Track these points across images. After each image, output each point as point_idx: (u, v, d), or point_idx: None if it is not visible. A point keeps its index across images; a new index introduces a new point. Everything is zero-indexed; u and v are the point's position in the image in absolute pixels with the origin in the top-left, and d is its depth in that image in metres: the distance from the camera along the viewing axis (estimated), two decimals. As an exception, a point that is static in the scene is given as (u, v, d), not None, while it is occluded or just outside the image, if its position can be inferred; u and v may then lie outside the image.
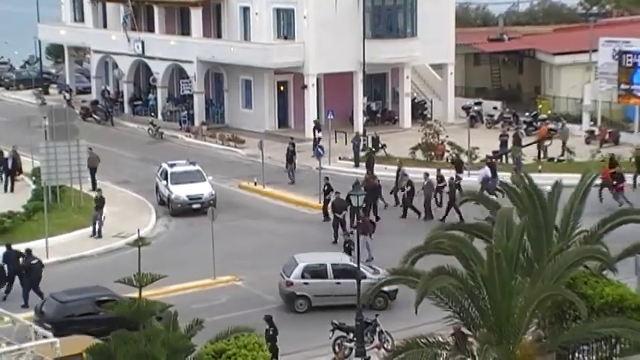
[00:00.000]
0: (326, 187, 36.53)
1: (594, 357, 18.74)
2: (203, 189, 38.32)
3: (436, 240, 19.22)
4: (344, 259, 28.56)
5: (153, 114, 57.05)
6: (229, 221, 35.92)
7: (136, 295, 16.17)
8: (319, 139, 46.30)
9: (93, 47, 61.56)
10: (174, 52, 55.51)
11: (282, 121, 53.05)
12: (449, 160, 42.85)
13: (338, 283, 27.40)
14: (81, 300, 25.85)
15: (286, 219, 37.16)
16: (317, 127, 48.12)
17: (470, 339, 18.13)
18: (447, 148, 44.61)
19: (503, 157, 44.70)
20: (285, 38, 52.87)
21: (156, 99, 57.74)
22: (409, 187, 36.95)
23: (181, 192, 38.01)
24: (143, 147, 50.62)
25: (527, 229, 18.72)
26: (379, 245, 31.31)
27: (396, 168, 38.90)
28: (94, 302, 25.30)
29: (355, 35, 50.53)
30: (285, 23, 53.11)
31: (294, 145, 43.60)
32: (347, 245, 30.61)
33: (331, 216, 34.83)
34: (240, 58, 52.30)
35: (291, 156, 42.77)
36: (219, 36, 56.58)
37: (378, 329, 24.60)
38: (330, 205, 35.65)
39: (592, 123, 49.99)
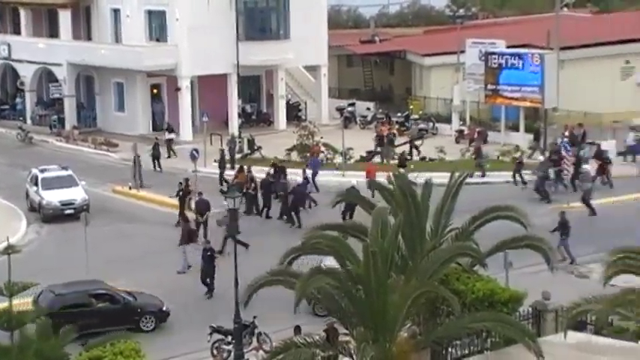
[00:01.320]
0: (182, 189, 35.85)
1: (467, 351, 19.22)
2: (75, 194, 37.62)
3: (313, 240, 19.38)
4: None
5: (21, 118, 55.62)
6: (103, 226, 35.36)
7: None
8: (171, 140, 47.11)
9: (-44, 50, 59.64)
10: (43, 55, 54.24)
11: (157, 124, 52.50)
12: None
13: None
14: (76, 293, 26.21)
15: (161, 223, 36.79)
16: (169, 128, 48.33)
17: (346, 337, 18.36)
18: (322, 149, 45.01)
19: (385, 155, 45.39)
20: (158, 40, 52.35)
21: (24, 103, 56.32)
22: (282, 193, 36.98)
23: (53, 198, 37.23)
24: (12, 152, 49.32)
25: (401, 228, 19.05)
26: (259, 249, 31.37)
27: (271, 170, 39.17)
28: (89, 295, 26.00)
29: (229, 37, 50.43)
30: (157, 25, 52.60)
31: (155, 146, 44.38)
32: (209, 254, 29.08)
33: (191, 218, 34.21)
34: (112, 60, 51.51)
35: (153, 158, 43.84)
36: (89, 38, 55.59)
37: (256, 331, 24.63)
38: (191, 206, 35.19)
39: (461, 123, 51.24)
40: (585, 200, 36.03)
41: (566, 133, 45.26)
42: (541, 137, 46.82)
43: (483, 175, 41.64)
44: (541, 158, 41.34)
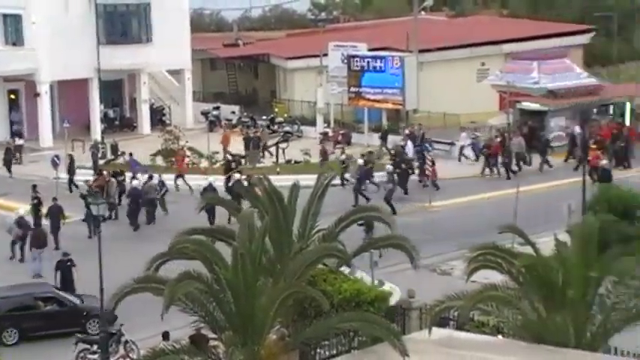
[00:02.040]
0: (35, 196, 34.96)
1: (335, 351, 19.48)
2: None
3: (180, 245, 19.26)
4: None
5: None
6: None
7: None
8: (21, 146, 46.29)
9: None
10: None
11: (16, 131, 51.00)
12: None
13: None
14: (22, 296, 25.87)
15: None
16: (17, 134, 47.73)
17: (215, 342, 18.32)
18: (188, 153, 44.71)
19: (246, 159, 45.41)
20: (14, 45, 50.94)
21: None
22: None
23: None
24: None
25: (268, 231, 19.14)
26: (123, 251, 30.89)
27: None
28: (34, 298, 25.70)
29: (89, 41, 49.54)
30: (14, 29, 51.17)
31: (7, 151, 43.90)
32: (68, 263, 28.12)
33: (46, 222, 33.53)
34: (-35, 65, 49.88)
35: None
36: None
37: (123, 339, 24.27)
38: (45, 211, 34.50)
39: (325, 125, 51.78)
40: (387, 199, 36.72)
41: (407, 132, 46.49)
42: (388, 137, 47.74)
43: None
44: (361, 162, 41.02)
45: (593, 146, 42.34)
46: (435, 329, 18.25)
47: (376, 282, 23.82)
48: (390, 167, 39.30)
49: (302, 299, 18.70)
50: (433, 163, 40.34)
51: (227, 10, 78.97)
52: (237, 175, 38.03)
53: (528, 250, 19.16)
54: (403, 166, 40.52)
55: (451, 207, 38.37)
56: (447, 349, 17.63)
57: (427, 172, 40.12)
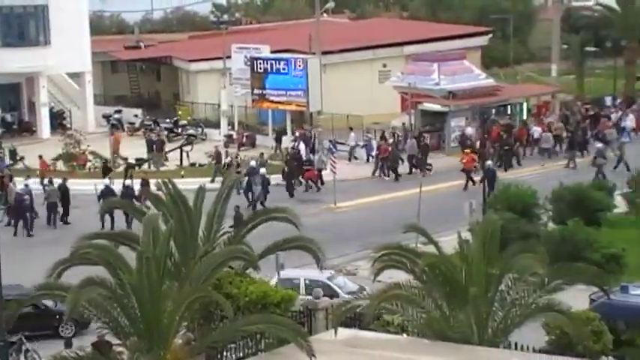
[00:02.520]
0: None
1: (241, 354, 19.45)
2: None
3: (82, 250, 18.94)
4: None
5: None
6: None
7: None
8: None
9: None
10: None
11: None
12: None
13: None
14: None
15: None
16: None
17: (120, 348, 18.11)
18: (90, 157, 44.07)
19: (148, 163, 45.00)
20: None
21: None
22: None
23: None
24: None
25: (173, 235, 18.99)
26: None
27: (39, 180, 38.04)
28: (7, 300, 23.43)
29: (-16, 43, 48.43)
30: None
31: None
32: None
33: None
34: None
35: None
36: None
37: (24, 348, 23.79)
38: None
39: (230, 127, 51.63)
40: (257, 202, 37.06)
41: (297, 134, 46.83)
42: (282, 139, 47.96)
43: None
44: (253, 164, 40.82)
45: (467, 150, 42.71)
46: (340, 329, 18.39)
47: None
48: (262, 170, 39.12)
49: (208, 303, 18.61)
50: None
51: (128, 12, 78.10)
52: (128, 181, 37.66)
53: (432, 249, 19.47)
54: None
55: (357, 207, 38.70)
56: (353, 349, 17.79)
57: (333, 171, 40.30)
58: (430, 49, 56.10)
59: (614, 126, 50.18)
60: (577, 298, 20.09)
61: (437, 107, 49.60)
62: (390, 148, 44.07)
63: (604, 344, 18.96)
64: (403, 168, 43.68)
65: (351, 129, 48.27)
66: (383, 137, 45.96)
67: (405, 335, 19.31)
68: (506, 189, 31.90)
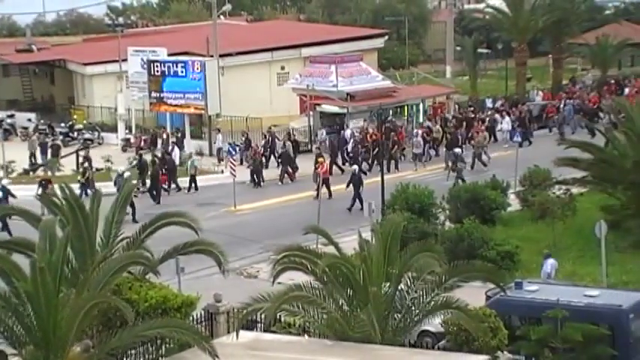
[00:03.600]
0: None
1: (142, 359, 19.25)
2: None
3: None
4: None
5: None
6: None
7: None
8: None
9: None
10: None
11: None
12: None
13: None
14: None
15: None
16: None
17: (16, 358, 17.71)
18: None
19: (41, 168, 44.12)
20: None
21: None
22: None
23: None
24: None
25: (70, 240, 18.68)
26: None
27: None
28: None
29: None
30: None
31: None
32: None
33: None
34: None
35: None
36: None
37: None
38: None
39: (127, 131, 51.00)
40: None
41: (164, 136, 47.02)
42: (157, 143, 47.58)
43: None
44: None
45: (320, 159, 40.50)
46: (242, 332, 18.35)
47: None
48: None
49: (106, 309, 18.36)
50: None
51: (19, 14, 76.45)
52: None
53: (332, 250, 19.59)
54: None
55: (257, 210, 38.67)
56: (254, 352, 17.77)
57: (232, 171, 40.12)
58: (327, 51, 56.48)
59: (488, 129, 49.44)
60: (474, 295, 20.46)
61: (335, 109, 49.94)
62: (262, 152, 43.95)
63: (500, 340, 19.36)
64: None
65: (217, 130, 48.09)
66: (248, 140, 45.22)
67: (306, 336, 19.38)
68: (404, 189, 32.31)
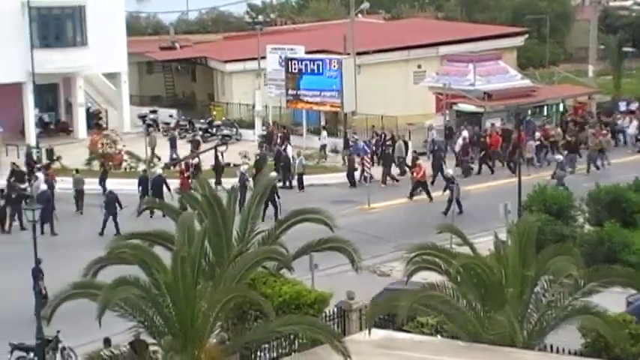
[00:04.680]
0: None
1: (275, 354, 19.47)
2: None
3: (118, 250, 19.07)
4: None
5: None
6: None
7: None
8: None
9: None
10: None
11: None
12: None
13: None
14: None
15: None
16: None
17: (155, 347, 18.19)
18: (125, 157, 44.35)
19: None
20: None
21: None
22: None
23: None
24: None
25: (207, 234, 19.06)
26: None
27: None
28: None
29: (22, 45, 48.80)
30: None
31: None
32: None
33: None
34: None
35: None
36: None
37: (60, 346, 23.96)
38: None
39: (264, 128, 51.71)
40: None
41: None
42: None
43: None
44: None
45: (418, 161, 40.26)
46: (374, 330, 18.35)
47: None
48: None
49: (242, 303, 18.66)
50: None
51: (163, 12, 78.53)
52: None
53: (466, 250, 19.36)
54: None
55: (390, 208, 38.57)
56: (387, 350, 17.74)
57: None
58: (465, 50, 55.84)
59: (612, 133, 47.55)
60: (613, 300, 19.89)
61: (472, 108, 49.36)
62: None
63: (641, 347, 18.76)
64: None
65: (323, 128, 47.98)
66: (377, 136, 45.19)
67: (439, 337, 19.23)
68: (542, 190, 31.67)
